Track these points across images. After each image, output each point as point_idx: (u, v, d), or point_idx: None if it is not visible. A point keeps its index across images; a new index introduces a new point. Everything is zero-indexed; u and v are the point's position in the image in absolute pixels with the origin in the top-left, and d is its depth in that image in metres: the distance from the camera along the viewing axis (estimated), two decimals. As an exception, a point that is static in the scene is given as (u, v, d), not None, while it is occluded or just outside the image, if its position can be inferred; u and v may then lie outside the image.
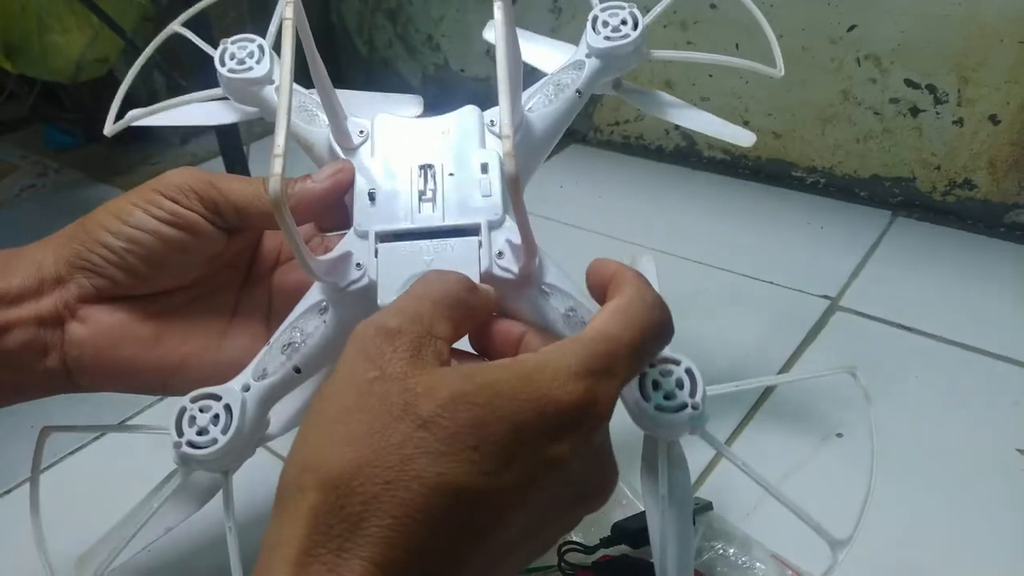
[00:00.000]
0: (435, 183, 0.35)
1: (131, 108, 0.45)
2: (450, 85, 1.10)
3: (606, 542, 0.44)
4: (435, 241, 0.34)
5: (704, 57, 0.49)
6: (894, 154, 0.78)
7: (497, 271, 0.33)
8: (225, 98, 0.44)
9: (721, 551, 0.44)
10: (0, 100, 1.15)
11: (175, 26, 0.47)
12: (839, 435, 0.54)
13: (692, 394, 0.32)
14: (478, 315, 0.31)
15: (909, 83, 0.74)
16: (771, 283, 0.70)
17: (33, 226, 0.90)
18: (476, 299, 0.30)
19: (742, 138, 0.47)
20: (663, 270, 0.39)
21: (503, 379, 0.25)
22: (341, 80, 1.22)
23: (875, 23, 0.74)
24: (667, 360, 0.32)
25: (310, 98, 0.41)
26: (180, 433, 0.33)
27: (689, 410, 0.31)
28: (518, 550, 0.27)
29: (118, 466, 0.54)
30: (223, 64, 0.42)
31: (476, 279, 0.32)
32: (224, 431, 0.33)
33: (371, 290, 0.33)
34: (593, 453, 0.28)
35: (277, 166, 0.26)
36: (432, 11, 1.05)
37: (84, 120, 1.10)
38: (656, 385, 0.32)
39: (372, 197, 0.35)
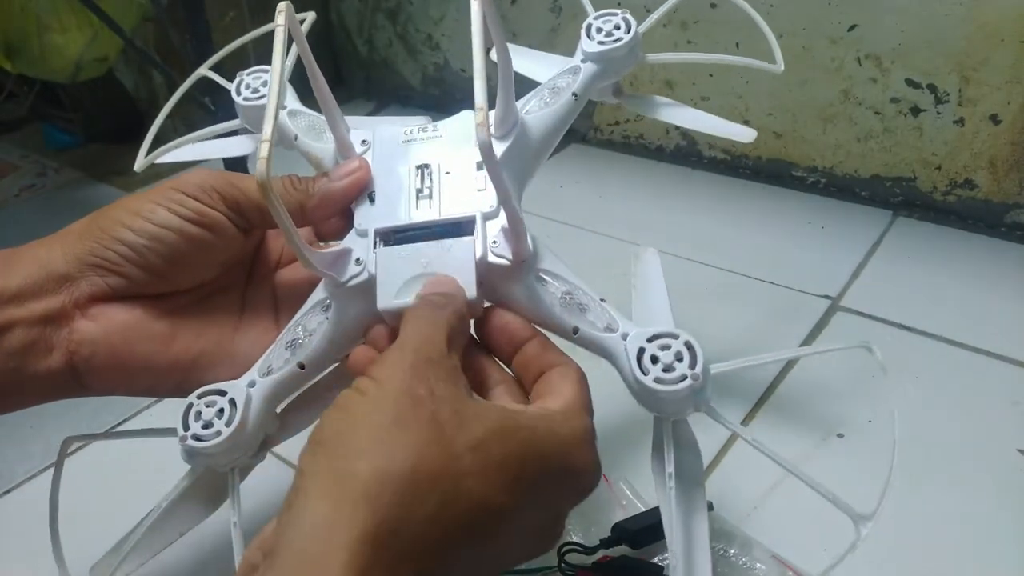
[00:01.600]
0: (431, 181, 0.36)
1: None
2: (450, 85, 1.10)
3: (606, 543, 0.44)
4: (433, 243, 0.35)
5: (702, 57, 0.50)
6: (895, 154, 0.78)
7: (492, 258, 0.34)
8: (242, 131, 0.48)
9: (721, 552, 0.44)
10: (-1, 100, 1.15)
11: (203, 70, 0.52)
12: (840, 435, 0.54)
13: (692, 366, 0.32)
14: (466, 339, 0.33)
15: (910, 83, 0.74)
16: (771, 283, 0.70)
17: (33, 226, 0.89)
18: (466, 326, 0.32)
19: (743, 135, 0.47)
20: (663, 270, 0.39)
21: (536, 426, 0.28)
22: (341, 81, 1.22)
23: (876, 23, 0.74)
24: (665, 335, 0.33)
25: (319, 119, 0.43)
26: (186, 427, 0.33)
27: (689, 381, 0.31)
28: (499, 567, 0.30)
29: (127, 464, 0.54)
30: (239, 93, 0.46)
31: (472, 279, 0.33)
32: (228, 424, 0.33)
33: (370, 285, 0.34)
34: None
35: (264, 151, 0.28)
36: (432, 10, 1.05)
37: (83, 119, 1.10)
38: (655, 360, 0.32)
39: (372, 198, 0.36)
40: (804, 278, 0.70)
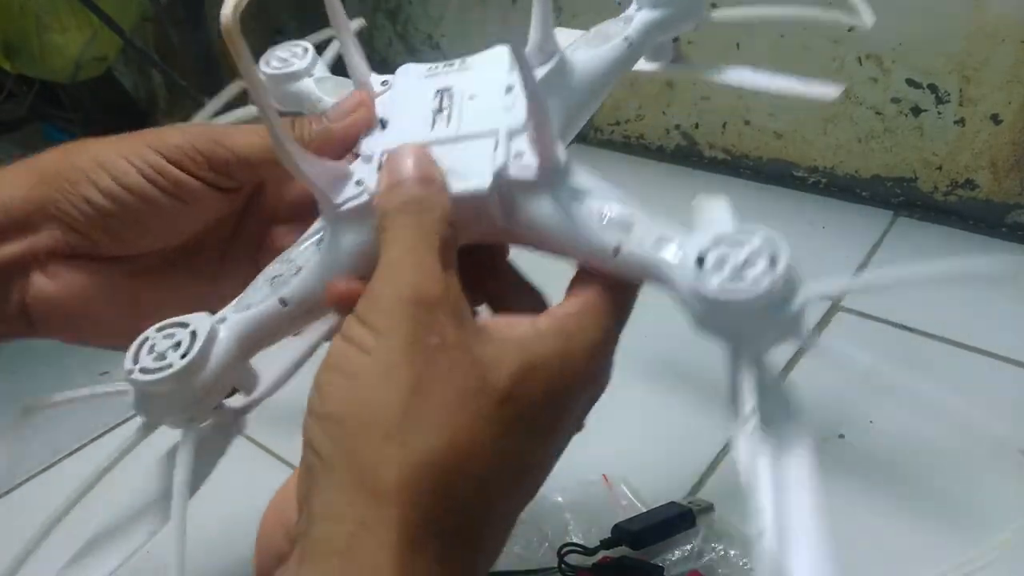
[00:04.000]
0: (451, 103, 0.32)
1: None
2: (450, 84, 1.10)
3: (607, 544, 0.44)
4: (446, 146, 0.30)
5: (782, 12, 0.46)
6: (896, 154, 0.78)
7: (514, 171, 0.29)
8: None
9: (723, 553, 0.44)
10: (-1, 99, 1.15)
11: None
12: (841, 436, 0.53)
13: (772, 265, 0.24)
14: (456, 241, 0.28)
15: (910, 83, 0.74)
16: (772, 283, 0.70)
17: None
18: (455, 226, 0.28)
19: (826, 92, 0.45)
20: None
21: (553, 354, 0.25)
22: (341, 79, 1.22)
23: (876, 22, 0.74)
24: (735, 234, 0.26)
25: (346, 81, 0.40)
26: (135, 362, 0.29)
27: (767, 283, 0.23)
28: None
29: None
30: (267, 64, 0.41)
31: (489, 178, 0.28)
32: (184, 356, 0.28)
33: (370, 210, 0.30)
34: None
35: None
36: (432, 10, 1.05)
37: (83, 119, 1.09)
38: (720, 264, 0.25)
39: (383, 124, 0.33)
40: (804, 278, 0.70)
